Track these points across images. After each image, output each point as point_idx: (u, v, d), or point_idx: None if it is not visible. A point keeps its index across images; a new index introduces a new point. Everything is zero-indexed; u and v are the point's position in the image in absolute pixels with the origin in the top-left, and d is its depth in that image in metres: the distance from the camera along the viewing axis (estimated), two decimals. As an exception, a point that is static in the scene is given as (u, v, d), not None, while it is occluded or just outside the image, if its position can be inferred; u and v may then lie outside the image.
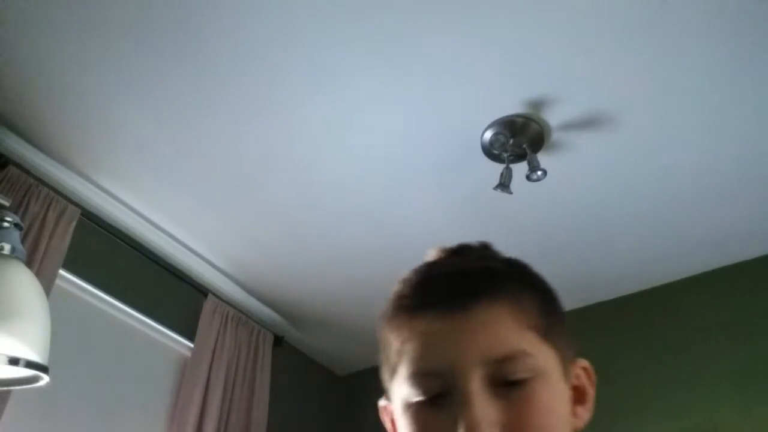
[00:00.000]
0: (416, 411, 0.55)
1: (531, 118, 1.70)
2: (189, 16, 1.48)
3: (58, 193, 1.88)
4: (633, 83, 1.60)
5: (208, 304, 2.28)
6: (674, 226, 2.06)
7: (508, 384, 0.53)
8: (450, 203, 2.00)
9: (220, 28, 1.51)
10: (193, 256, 2.28)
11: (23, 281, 1.09)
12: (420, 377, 0.55)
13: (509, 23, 1.47)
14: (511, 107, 1.68)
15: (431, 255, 0.64)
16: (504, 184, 1.73)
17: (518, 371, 0.53)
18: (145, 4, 1.46)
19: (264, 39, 1.53)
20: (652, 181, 1.89)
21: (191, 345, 2.20)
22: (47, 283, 1.71)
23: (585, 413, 0.59)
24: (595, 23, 1.46)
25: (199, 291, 2.31)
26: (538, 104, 1.66)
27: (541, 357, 0.55)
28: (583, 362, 0.61)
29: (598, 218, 2.04)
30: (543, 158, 1.76)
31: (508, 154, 1.74)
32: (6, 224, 1.14)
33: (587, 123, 1.71)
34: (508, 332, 0.55)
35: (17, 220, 1.16)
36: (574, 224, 2.06)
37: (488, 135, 1.74)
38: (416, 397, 0.55)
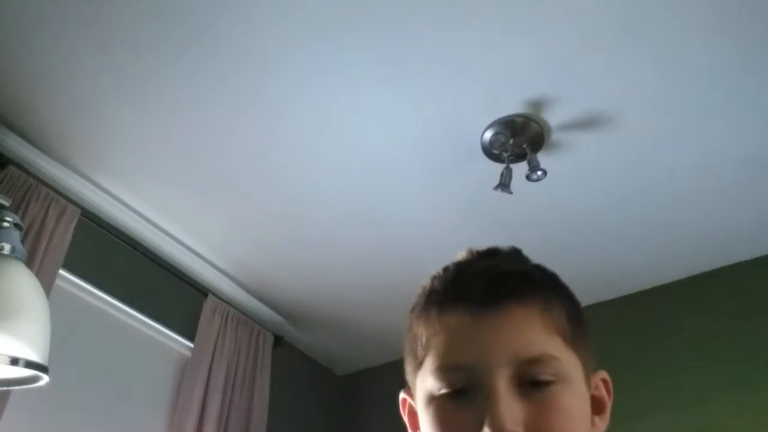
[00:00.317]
0: (440, 404, 0.56)
1: (531, 118, 1.70)
2: (186, 13, 1.48)
3: (58, 193, 1.88)
4: (633, 83, 1.60)
5: (208, 304, 2.28)
6: (674, 227, 2.06)
7: (533, 385, 0.54)
8: (450, 203, 2.00)
9: (218, 26, 1.51)
10: (193, 256, 2.28)
11: (23, 281, 1.09)
12: (447, 371, 0.56)
13: (509, 23, 1.47)
14: (511, 107, 1.68)
15: (461, 255, 0.65)
16: (504, 184, 1.73)
17: (544, 373, 0.54)
18: (144, 4, 1.46)
19: (263, 38, 1.53)
20: (652, 181, 1.89)
21: (191, 345, 2.20)
22: (47, 283, 1.71)
23: (602, 424, 0.60)
24: (595, 23, 1.46)
25: (199, 291, 2.31)
26: (538, 104, 1.66)
27: (567, 362, 0.56)
28: (603, 374, 0.62)
29: (597, 218, 2.04)
30: (543, 158, 1.76)
31: (508, 154, 1.74)
32: (6, 224, 1.14)
33: (587, 123, 1.71)
34: (538, 335, 0.56)
35: (17, 220, 1.16)
36: (573, 224, 2.06)
37: (488, 135, 1.74)
38: (441, 390, 0.56)
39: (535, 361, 0.54)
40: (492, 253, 0.64)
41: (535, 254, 0.65)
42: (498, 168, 1.77)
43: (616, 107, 1.67)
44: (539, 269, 0.62)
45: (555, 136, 1.75)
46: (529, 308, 0.56)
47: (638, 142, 1.76)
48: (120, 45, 1.56)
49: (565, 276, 0.64)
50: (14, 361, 1.01)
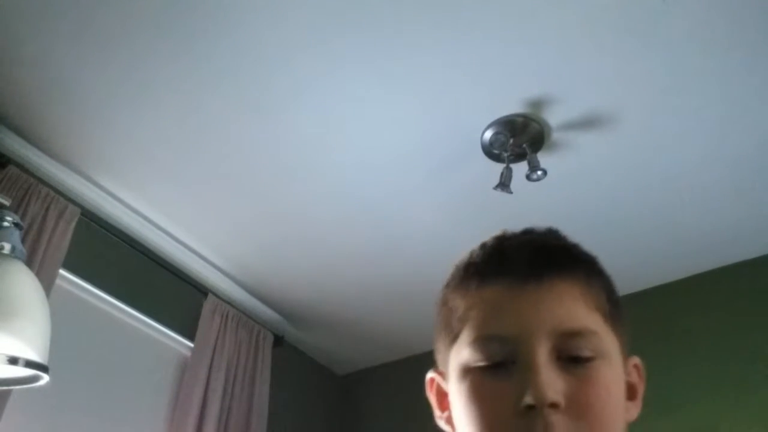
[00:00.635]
0: (477, 376, 0.55)
1: (531, 118, 1.70)
2: (186, 13, 1.48)
3: (58, 192, 1.88)
4: (633, 83, 1.60)
5: (208, 304, 2.28)
6: (674, 226, 2.06)
7: (573, 360, 0.53)
8: (450, 203, 2.00)
9: (219, 23, 1.51)
10: (193, 256, 2.28)
11: (23, 281, 1.09)
12: (484, 342, 0.55)
13: (510, 23, 1.47)
14: (511, 107, 1.68)
15: (498, 233, 0.64)
16: (504, 184, 1.73)
17: (585, 348, 0.54)
18: (144, 5, 1.46)
19: (264, 39, 1.53)
20: (652, 181, 1.89)
21: (191, 345, 2.20)
22: (47, 283, 1.70)
23: (634, 410, 0.59)
24: (595, 23, 1.46)
25: (199, 291, 2.31)
26: (538, 104, 1.66)
27: (606, 339, 0.56)
28: (635, 359, 0.61)
29: (597, 218, 2.04)
30: (543, 158, 1.76)
31: (508, 153, 1.74)
32: (6, 224, 1.14)
33: (587, 123, 1.71)
34: (580, 309, 0.55)
35: (17, 219, 1.16)
36: (573, 224, 2.04)
37: (488, 135, 1.74)
38: (478, 363, 0.55)
39: (576, 334, 0.54)
40: (530, 231, 0.63)
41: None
42: (498, 168, 1.77)
43: (616, 107, 1.67)
44: (580, 246, 0.62)
45: (555, 136, 1.75)
46: (570, 283, 0.56)
47: (638, 142, 1.76)
48: (120, 45, 1.56)
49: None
50: (14, 361, 1.01)
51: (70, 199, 1.92)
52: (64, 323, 1.79)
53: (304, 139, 1.81)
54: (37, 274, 1.64)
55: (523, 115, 1.70)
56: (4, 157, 1.78)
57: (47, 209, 1.81)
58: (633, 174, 1.87)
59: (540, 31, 1.49)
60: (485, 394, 0.54)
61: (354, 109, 1.71)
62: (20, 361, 1.01)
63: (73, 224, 1.87)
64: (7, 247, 1.12)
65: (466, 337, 0.57)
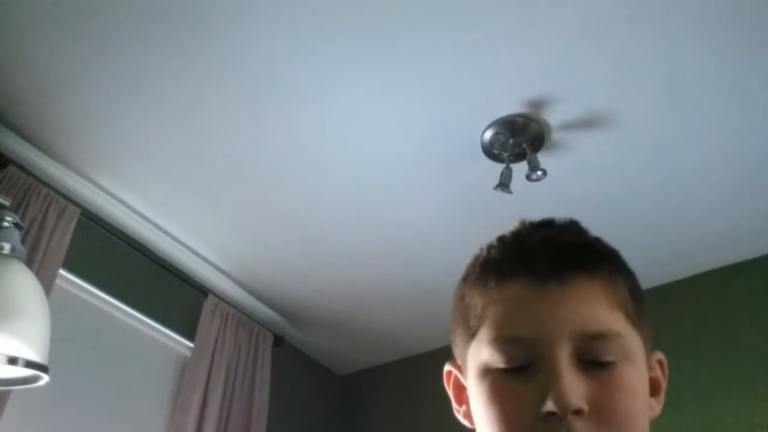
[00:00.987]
0: (496, 378, 0.53)
1: (531, 118, 1.70)
2: (187, 13, 1.48)
3: (58, 193, 1.88)
4: (633, 83, 1.60)
5: (208, 304, 2.28)
6: (674, 226, 2.06)
7: (596, 363, 0.51)
8: (450, 203, 2.00)
9: (219, 24, 1.51)
10: (193, 256, 2.28)
11: (23, 281, 1.09)
12: (505, 342, 0.53)
13: (510, 23, 1.47)
14: (511, 107, 1.68)
15: (514, 227, 0.62)
16: (504, 184, 1.73)
17: (608, 352, 0.52)
18: (145, 5, 1.46)
19: (265, 39, 1.53)
20: (651, 180, 1.89)
21: (191, 345, 2.20)
22: (47, 283, 1.71)
23: (657, 406, 0.58)
24: (595, 23, 1.46)
25: (199, 291, 2.31)
26: (538, 104, 1.66)
27: (630, 340, 0.54)
28: (659, 354, 0.60)
29: (597, 218, 2.02)
30: (543, 158, 1.76)
31: (508, 153, 1.74)
32: (6, 224, 1.13)
33: (587, 123, 1.71)
34: (603, 310, 0.53)
35: (17, 219, 1.16)
36: (574, 224, 2.06)
37: (488, 135, 1.74)
38: (498, 364, 0.53)
39: (599, 336, 0.52)
40: (550, 224, 0.61)
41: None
42: (498, 168, 1.77)
43: (616, 107, 1.67)
44: (601, 242, 0.60)
45: (555, 136, 1.75)
46: (593, 282, 0.54)
47: (638, 141, 1.76)
48: (121, 45, 1.56)
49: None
50: (14, 361, 1.01)
51: (70, 199, 1.92)
52: (64, 323, 1.79)
53: (305, 139, 1.81)
54: (37, 274, 1.64)
55: (523, 115, 1.70)
56: (4, 157, 1.78)
57: (47, 209, 1.81)
58: (633, 174, 1.87)
59: (540, 31, 1.49)
60: (505, 396, 0.52)
61: (354, 110, 1.71)
62: (20, 361, 1.01)
63: (73, 224, 1.87)
64: (7, 247, 1.12)
65: (484, 335, 0.55)
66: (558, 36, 1.50)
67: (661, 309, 2.28)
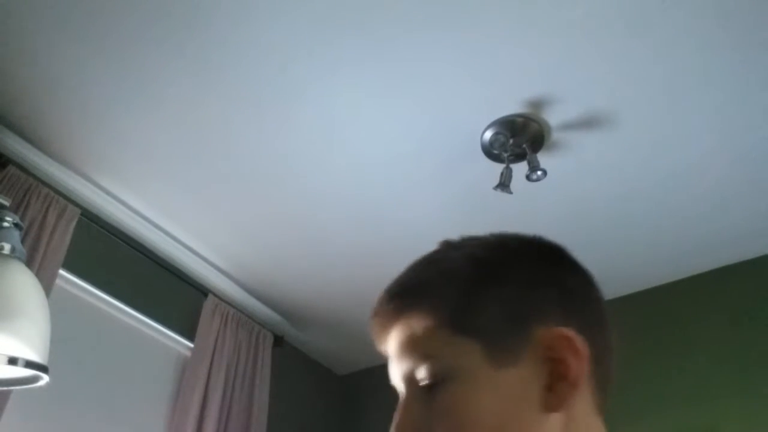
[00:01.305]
0: None
1: (531, 118, 1.70)
2: (188, 13, 1.48)
3: (58, 193, 1.88)
4: (633, 83, 1.60)
5: (208, 304, 2.28)
6: (674, 226, 2.06)
7: (428, 389, 0.53)
8: (450, 203, 2.00)
9: (219, 24, 1.51)
10: (193, 256, 2.28)
11: (23, 281, 1.09)
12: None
13: (509, 23, 1.47)
14: (511, 107, 1.68)
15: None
16: (504, 184, 1.73)
17: (425, 378, 0.53)
18: (145, 5, 1.46)
19: (265, 40, 1.53)
20: (651, 181, 1.89)
21: (191, 345, 2.20)
22: (47, 283, 1.71)
23: (567, 388, 0.52)
24: (595, 23, 1.46)
25: (199, 291, 2.31)
26: (538, 104, 1.66)
27: (453, 355, 0.53)
28: (559, 331, 0.53)
29: (597, 218, 2.04)
30: (543, 158, 1.76)
31: (508, 154, 1.74)
32: (6, 224, 1.13)
33: (587, 123, 1.71)
34: (414, 339, 0.55)
35: (17, 220, 1.16)
36: (573, 224, 2.06)
37: (488, 135, 1.74)
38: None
39: (414, 370, 0.54)
40: (414, 265, 0.63)
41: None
42: (498, 168, 1.77)
43: (616, 107, 1.67)
44: (418, 273, 0.60)
45: (555, 136, 1.75)
46: (407, 321, 0.57)
47: (638, 141, 1.76)
48: (121, 46, 1.56)
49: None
50: (14, 361, 1.01)
51: (70, 199, 1.92)
52: (64, 323, 1.79)
53: (305, 139, 1.81)
54: (37, 274, 1.64)
55: (523, 115, 1.70)
56: (4, 157, 1.78)
57: (47, 209, 1.81)
58: (633, 174, 1.87)
59: (540, 31, 1.49)
60: None
61: (354, 110, 1.71)
62: (20, 362, 1.01)
63: (73, 224, 1.87)
64: (7, 247, 1.11)
65: None
66: (558, 36, 1.50)
67: (661, 309, 2.28)
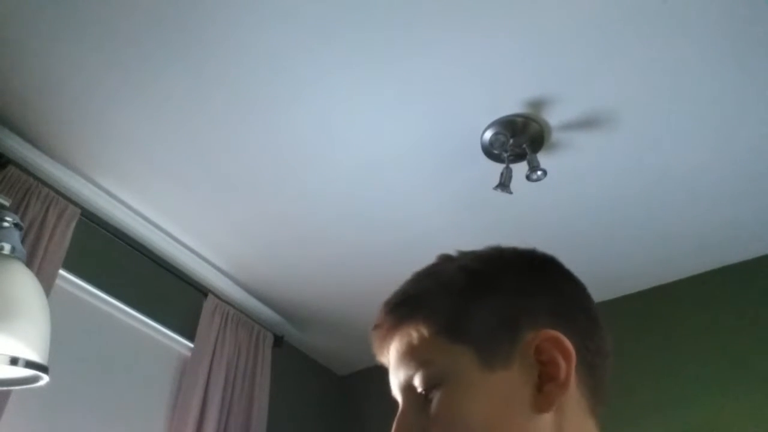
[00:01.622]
0: None
1: (531, 118, 1.70)
2: (188, 14, 1.48)
3: (58, 193, 1.88)
4: (633, 83, 1.60)
5: (208, 304, 2.28)
6: (674, 226, 2.06)
7: (425, 397, 0.55)
8: (450, 203, 2.00)
9: (220, 24, 1.51)
10: (193, 256, 2.28)
11: (23, 281, 1.09)
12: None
13: (509, 23, 1.47)
14: (511, 107, 1.68)
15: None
16: (504, 184, 1.73)
17: (421, 384, 0.56)
18: (146, 5, 1.46)
19: (265, 40, 1.53)
20: (651, 180, 1.89)
21: (191, 345, 2.20)
22: (47, 283, 1.71)
23: (557, 389, 0.53)
24: (595, 23, 1.46)
25: (199, 291, 2.31)
26: (538, 104, 1.66)
27: (447, 360, 0.55)
28: (547, 333, 0.55)
29: (597, 218, 2.04)
30: (543, 158, 1.76)
31: (508, 154, 1.74)
32: (6, 224, 1.13)
33: (587, 123, 1.71)
34: (413, 354, 0.57)
35: (17, 220, 1.16)
36: (573, 224, 2.06)
37: (488, 135, 1.74)
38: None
39: (411, 378, 0.57)
40: (412, 277, 0.65)
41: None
42: (498, 168, 1.77)
43: (616, 107, 1.67)
44: (414, 284, 0.63)
45: (555, 136, 1.75)
46: (399, 329, 0.60)
47: (638, 141, 1.76)
48: (121, 46, 1.56)
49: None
50: (14, 361, 1.01)
51: (70, 200, 1.92)
52: (64, 323, 1.79)
53: (305, 139, 1.81)
54: (37, 274, 1.64)
55: (523, 115, 1.70)
56: (4, 157, 1.78)
57: (47, 209, 1.81)
58: (633, 174, 1.87)
59: (540, 31, 1.49)
60: None
61: (354, 110, 1.71)
62: (20, 362, 1.01)
63: (73, 224, 1.87)
64: (7, 247, 1.12)
65: None
66: (558, 36, 1.50)
67: (661, 309, 2.29)
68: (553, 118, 1.70)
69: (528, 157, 1.73)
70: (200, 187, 1.99)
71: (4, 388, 1.26)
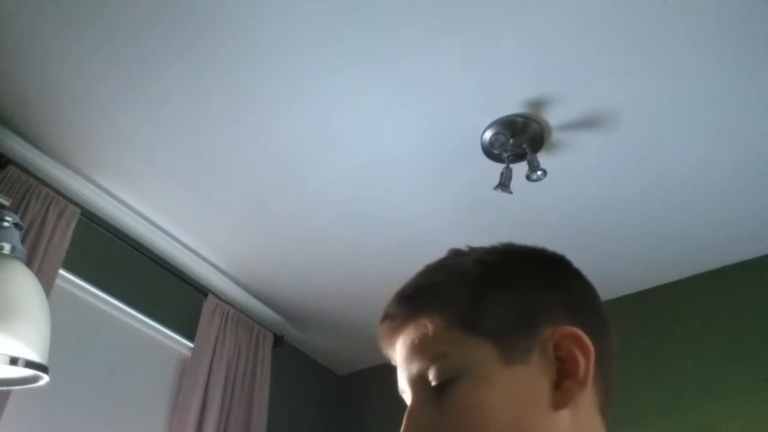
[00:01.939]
0: None
1: (531, 118, 1.70)
2: (188, 14, 1.48)
3: (58, 193, 1.88)
4: (633, 83, 1.60)
5: (208, 304, 2.28)
6: (674, 226, 2.06)
7: (437, 389, 0.54)
8: (450, 203, 2.00)
9: (220, 24, 1.51)
10: (193, 256, 2.28)
11: (23, 281, 1.09)
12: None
13: (509, 23, 1.47)
14: (511, 107, 1.68)
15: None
16: (504, 184, 1.73)
17: (436, 377, 0.54)
18: (146, 5, 1.46)
19: (265, 40, 1.53)
20: (651, 181, 1.89)
21: (191, 345, 2.20)
22: (47, 283, 1.71)
23: (576, 386, 0.53)
24: (595, 23, 1.46)
25: (199, 291, 2.31)
26: (538, 104, 1.66)
27: (464, 353, 0.54)
28: (565, 330, 0.55)
29: (597, 217, 2.04)
30: (543, 158, 1.76)
31: (508, 154, 1.74)
32: (6, 224, 1.13)
33: (587, 123, 1.71)
34: (425, 340, 0.56)
35: (17, 220, 1.16)
36: (573, 224, 2.06)
37: (488, 135, 1.74)
38: None
39: (425, 371, 0.55)
40: (424, 270, 0.64)
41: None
42: (498, 168, 1.77)
43: (616, 107, 1.67)
44: (427, 275, 0.62)
45: (555, 136, 1.75)
46: (415, 326, 0.58)
47: (638, 142, 1.76)
48: (121, 46, 1.56)
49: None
50: (14, 361, 1.01)
51: (70, 199, 1.92)
52: (64, 323, 1.79)
53: (305, 140, 1.81)
54: (37, 274, 1.64)
55: (523, 115, 1.70)
56: (4, 157, 1.78)
57: (47, 209, 1.81)
58: (633, 174, 1.87)
59: (540, 31, 1.49)
60: None
61: (354, 110, 1.71)
62: (20, 362, 1.01)
63: (73, 224, 1.87)
64: (7, 247, 1.11)
65: None
66: (558, 36, 1.50)
67: (661, 309, 2.29)
68: (553, 118, 1.70)
69: (528, 157, 1.73)
70: (200, 187, 1.99)
71: (4, 388, 1.27)
